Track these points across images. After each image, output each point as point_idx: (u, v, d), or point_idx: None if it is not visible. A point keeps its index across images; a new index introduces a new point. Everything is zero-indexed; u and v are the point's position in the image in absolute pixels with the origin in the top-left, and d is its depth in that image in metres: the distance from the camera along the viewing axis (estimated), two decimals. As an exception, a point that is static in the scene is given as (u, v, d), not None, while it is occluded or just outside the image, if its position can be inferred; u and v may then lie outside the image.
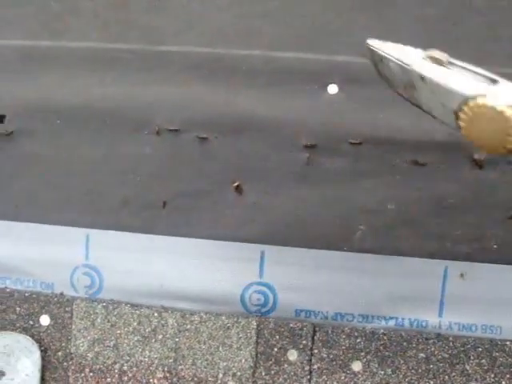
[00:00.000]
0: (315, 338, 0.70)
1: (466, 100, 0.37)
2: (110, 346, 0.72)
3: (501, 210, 0.69)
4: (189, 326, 0.70)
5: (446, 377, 0.69)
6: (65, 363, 0.73)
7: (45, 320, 0.73)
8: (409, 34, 0.70)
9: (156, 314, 0.71)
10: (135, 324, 0.71)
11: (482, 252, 0.69)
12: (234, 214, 0.70)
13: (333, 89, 0.70)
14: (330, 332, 0.70)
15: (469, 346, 0.69)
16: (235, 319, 0.70)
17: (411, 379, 0.69)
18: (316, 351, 0.70)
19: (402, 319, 0.70)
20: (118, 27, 0.71)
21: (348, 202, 0.69)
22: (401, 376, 0.70)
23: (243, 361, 0.70)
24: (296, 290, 0.70)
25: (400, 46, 0.47)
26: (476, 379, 0.69)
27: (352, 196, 0.69)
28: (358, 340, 0.70)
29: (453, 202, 0.69)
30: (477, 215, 0.69)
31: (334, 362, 0.70)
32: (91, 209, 0.72)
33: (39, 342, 0.73)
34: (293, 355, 0.70)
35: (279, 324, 0.70)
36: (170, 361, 0.71)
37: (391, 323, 0.70)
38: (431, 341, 0.69)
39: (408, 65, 0.42)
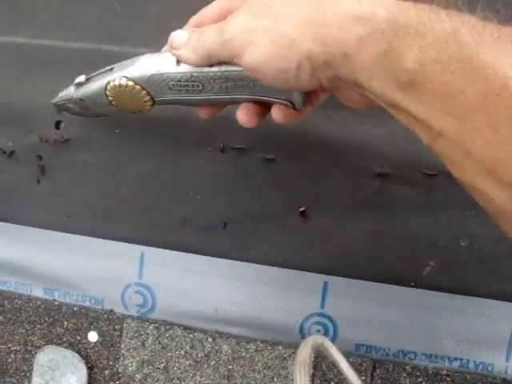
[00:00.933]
0: (374, 374, 0.67)
1: (105, 86, 0.50)
2: (159, 369, 0.69)
3: None
4: (243, 354, 0.68)
5: (509, 424, 0.67)
6: (111, 382, 0.70)
7: (93, 336, 0.70)
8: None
9: (210, 339, 0.68)
10: (187, 348, 0.68)
11: (556, 296, 0.66)
12: (298, 240, 0.67)
13: (410, 115, 0.66)
14: (390, 369, 0.67)
15: (535, 392, 0.67)
16: (293, 350, 0.67)
17: (472, 423, 0.67)
18: (375, 388, 0.67)
19: (467, 361, 0.67)
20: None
21: (418, 235, 0.66)
22: (462, 420, 0.67)
23: (298, 393, 0.67)
24: (358, 323, 0.67)
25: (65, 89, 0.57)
26: (540, 428, 0.66)
27: (423, 229, 0.66)
28: (420, 379, 0.67)
29: (528, 242, 0.66)
30: (553, 257, 0.66)
31: (393, 401, 0.67)
32: (148, 225, 0.69)
33: (86, 358, 0.70)
34: (350, 391, 0.67)
35: (338, 358, 0.67)
36: (222, 388, 0.68)
37: (455, 364, 0.67)
38: (496, 385, 0.66)
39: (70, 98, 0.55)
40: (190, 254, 0.68)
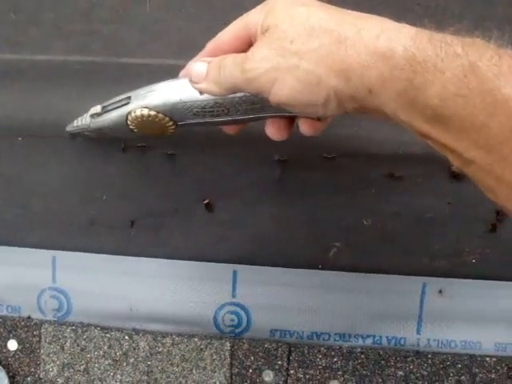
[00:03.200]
0: (291, 358, 0.68)
1: (125, 116, 0.51)
2: (80, 371, 0.69)
3: (480, 223, 0.67)
4: (161, 349, 0.68)
5: (425, 394, 0.68)
6: (34, 388, 0.71)
7: (12, 345, 0.70)
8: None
9: (127, 337, 0.69)
10: (106, 347, 0.69)
11: (460, 267, 0.67)
12: (205, 232, 0.68)
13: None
14: (305, 352, 0.68)
15: (448, 362, 0.68)
16: (208, 341, 0.68)
17: (390, 398, 0.68)
18: (292, 371, 0.68)
19: (380, 337, 0.68)
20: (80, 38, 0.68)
21: (322, 218, 0.67)
22: (379, 395, 0.68)
23: (217, 383, 0.68)
24: (270, 309, 0.68)
25: (80, 117, 0.60)
26: (456, 396, 0.68)
27: (326, 212, 0.67)
28: (335, 359, 0.68)
29: (430, 215, 0.67)
30: (455, 229, 0.67)
31: (311, 382, 0.68)
32: (57, 230, 0.69)
33: (7, 367, 0.70)
34: (268, 376, 0.68)
35: (253, 345, 0.68)
36: (143, 384, 0.69)
37: (368, 341, 0.69)
38: (410, 358, 0.68)
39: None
40: (100, 255, 0.68)
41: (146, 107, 0.48)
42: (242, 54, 0.41)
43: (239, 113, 0.47)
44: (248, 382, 0.68)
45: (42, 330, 0.70)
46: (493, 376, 0.68)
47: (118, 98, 0.53)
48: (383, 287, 0.67)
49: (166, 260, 0.68)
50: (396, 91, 0.35)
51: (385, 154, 0.66)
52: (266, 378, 0.68)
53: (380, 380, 0.68)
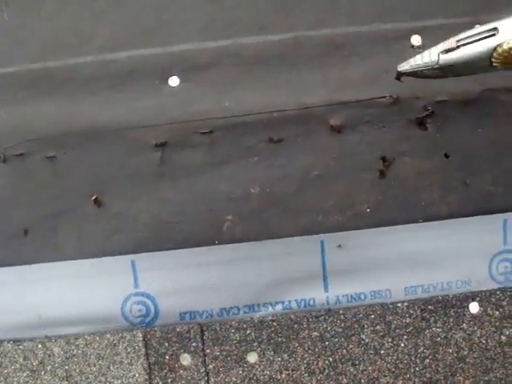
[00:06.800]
0: (204, 337, 0.68)
1: (492, 49, 0.49)
2: (0, 387, 0.69)
3: (367, 172, 0.67)
4: (75, 351, 0.68)
5: (344, 350, 0.68)
6: (-41, 413, 0.70)
7: None
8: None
9: (40, 346, 0.68)
10: (21, 360, 0.69)
11: (356, 219, 0.67)
12: (98, 228, 0.68)
13: (174, 81, 0.67)
14: (218, 329, 0.68)
15: (361, 315, 0.68)
16: (120, 335, 0.68)
17: (309, 360, 0.68)
18: (208, 351, 0.68)
19: (289, 302, 0.68)
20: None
21: (210, 193, 0.67)
22: (298, 359, 0.68)
23: (137, 375, 0.68)
24: (175, 293, 0.68)
25: (418, 56, 0.57)
26: (374, 347, 0.68)
27: (213, 187, 0.67)
28: (248, 331, 0.68)
29: (318, 173, 0.67)
30: (345, 182, 0.67)
31: (229, 358, 0.68)
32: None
33: None
34: (186, 360, 0.68)
35: (165, 331, 0.68)
36: (64, 390, 0.69)
37: (278, 308, 0.68)
38: (322, 317, 0.67)
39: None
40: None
41: None
42: None
43: None
44: (167, 369, 0.68)
45: (-43, 353, 0.69)
46: (407, 320, 0.68)
47: (478, 30, 0.50)
48: (282, 251, 0.67)
49: (63, 262, 0.67)
50: None
51: (261, 120, 0.66)
52: (184, 362, 0.68)
53: (296, 344, 0.68)
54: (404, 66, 0.57)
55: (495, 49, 0.48)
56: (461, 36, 0.52)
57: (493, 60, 0.49)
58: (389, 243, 0.67)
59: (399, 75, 0.58)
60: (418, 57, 0.56)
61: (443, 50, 0.53)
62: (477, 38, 0.50)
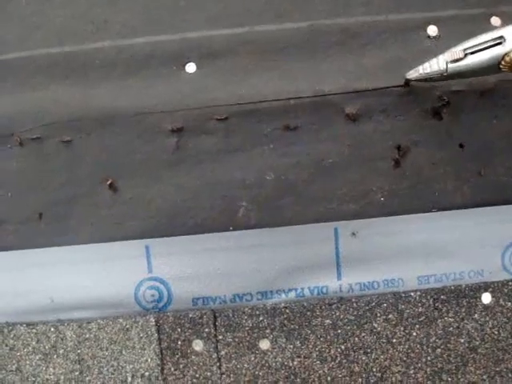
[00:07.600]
0: (217, 323, 0.68)
1: (500, 58, 0.50)
2: (12, 370, 0.69)
3: (382, 161, 0.67)
4: (88, 335, 0.68)
5: (356, 338, 0.68)
6: (-30, 395, 0.70)
7: None
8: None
9: (53, 329, 0.69)
10: (34, 343, 0.69)
11: (369, 207, 0.67)
12: (113, 213, 0.68)
13: (191, 67, 0.68)
14: (231, 315, 0.68)
15: (373, 303, 0.68)
16: (133, 320, 0.68)
17: (321, 347, 0.68)
18: (221, 337, 0.68)
19: (302, 289, 0.68)
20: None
21: (225, 180, 0.67)
22: (310, 346, 0.68)
23: (149, 360, 0.68)
24: (189, 279, 0.68)
25: (426, 64, 0.59)
26: (386, 335, 0.68)
27: (228, 173, 0.67)
28: (261, 318, 0.68)
29: (332, 161, 0.67)
30: (359, 170, 0.67)
31: (241, 345, 0.68)
32: (-33, 232, 0.69)
33: None
34: (198, 345, 0.68)
35: (178, 316, 0.68)
36: (76, 373, 0.69)
37: (291, 295, 0.68)
38: (334, 305, 0.68)
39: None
40: (13, 252, 0.68)
41: None
42: None
43: None
44: (179, 354, 0.68)
45: (-31, 336, 0.70)
46: (420, 310, 0.68)
47: (484, 39, 0.51)
48: (296, 239, 0.67)
49: (77, 246, 0.68)
50: None
51: (277, 107, 0.67)
52: (197, 348, 0.68)
53: (309, 331, 0.68)
54: (413, 74, 0.59)
55: (503, 57, 0.49)
56: (466, 45, 0.53)
57: (501, 67, 0.50)
58: (402, 232, 0.67)
59: (407, 82, 0.60)
60: (427, 65, 0.57)
61: (453, 60, 0.54)
62: (483, 46, 0.51)
